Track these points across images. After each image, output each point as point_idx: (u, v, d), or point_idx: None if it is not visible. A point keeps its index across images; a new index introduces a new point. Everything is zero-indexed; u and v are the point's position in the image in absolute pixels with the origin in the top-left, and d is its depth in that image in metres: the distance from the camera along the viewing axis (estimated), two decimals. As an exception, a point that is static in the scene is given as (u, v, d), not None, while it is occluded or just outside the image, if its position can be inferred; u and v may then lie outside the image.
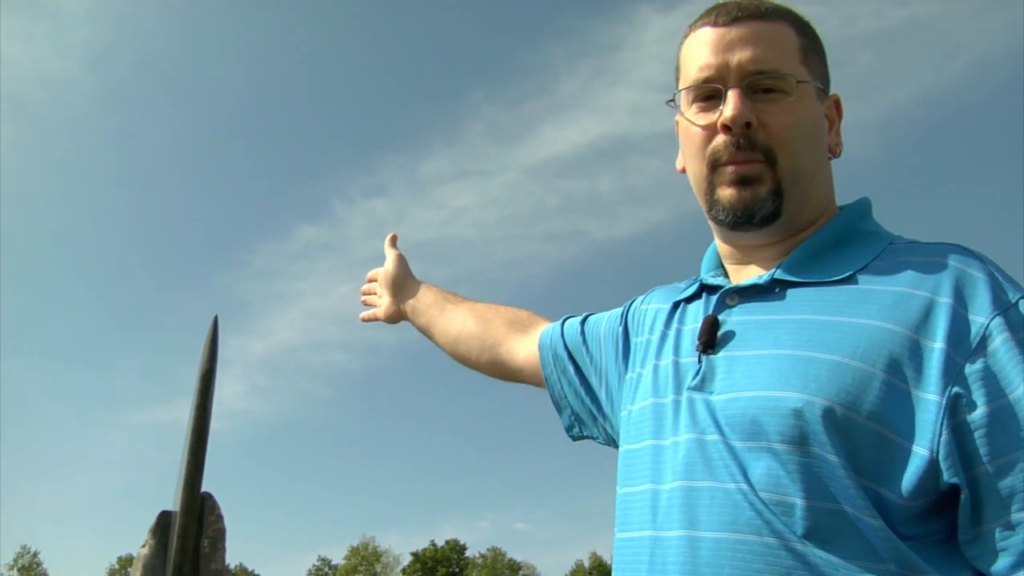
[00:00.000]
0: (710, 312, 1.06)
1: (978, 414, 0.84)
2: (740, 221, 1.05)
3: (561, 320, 1.44)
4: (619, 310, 1.33)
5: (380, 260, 1.78)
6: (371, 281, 1.80)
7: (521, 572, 62.01)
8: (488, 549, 63.13)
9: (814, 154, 1.07)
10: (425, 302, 1.66)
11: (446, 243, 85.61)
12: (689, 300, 1.16)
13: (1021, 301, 0.90)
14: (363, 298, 1.82)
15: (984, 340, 0.87)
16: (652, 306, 1.24)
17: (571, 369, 1.35)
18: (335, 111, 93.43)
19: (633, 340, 1.24)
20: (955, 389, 0.86)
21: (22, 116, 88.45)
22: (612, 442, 1.30)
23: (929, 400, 0.86)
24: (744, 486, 0.91)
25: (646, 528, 0.99)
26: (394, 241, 1.80)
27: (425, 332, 1.66)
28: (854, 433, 0.88)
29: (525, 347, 1.46)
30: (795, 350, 0.94)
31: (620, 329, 1.28)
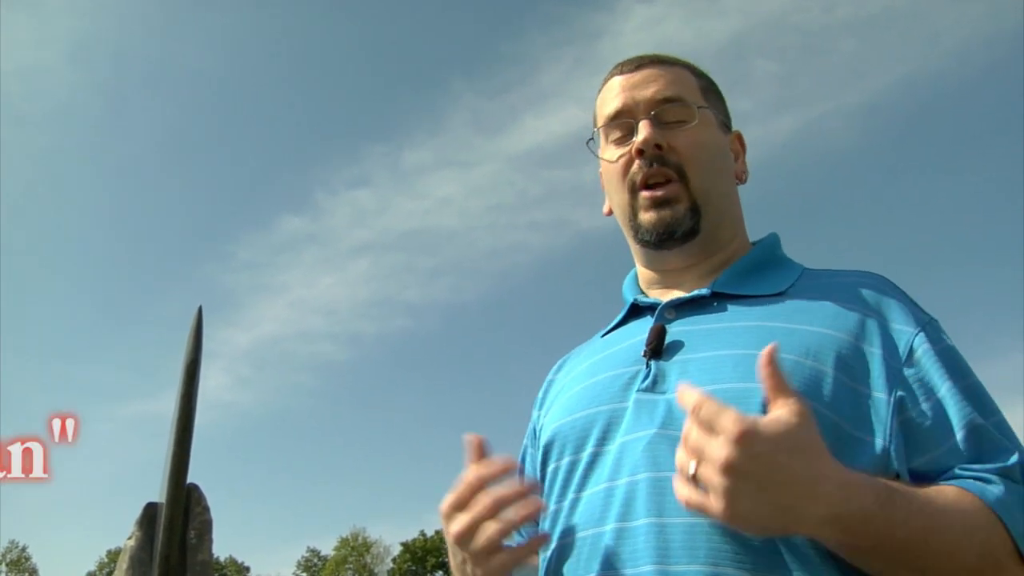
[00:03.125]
0: (652, 325, 1.10)
1: (917, 412, 0.97)
2: (663, 238, 1.15)
3: None
4: (528, 433, 1.28)
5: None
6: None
7: (511, 560, 62.08)
8: (478, 538, 63.19)
9: (721, 174, 1.20)
10: None
11: (430, 233, 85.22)
12: (616, 328, 1.21)
13: (932, 320, 1.06)
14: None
15: (912, 351, 1.01)
16: (556, 376, 1.28)
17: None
18: (317, 101, 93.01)
19: (539, 411, 1.25)
20: (899, 391, 0.98)
21: (1, 107, 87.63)
22: None
23: (879, 398, 0.97)
24: None
25: (606, 523, 0.98)
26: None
27: None
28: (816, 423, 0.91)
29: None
30: (751, 350, 0.97)
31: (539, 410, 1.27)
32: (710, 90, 1.23)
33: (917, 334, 1.02)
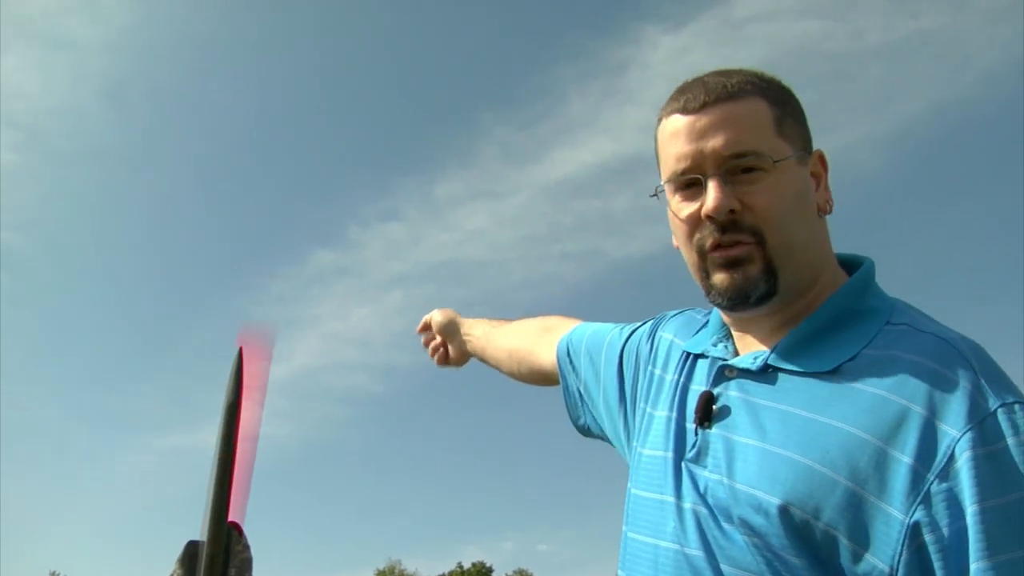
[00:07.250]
0: (709, 383, 1.08)
1: (938, 537, 0.84)
2: (736, 303, 1.05)
3: (574, 328, 1.50)
4: (645, 326, 1.34)
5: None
6: (424, 330, 1.92)
7: (547, 593, 61.45)
8: (515, 571, 62.78)
9: (802, 224, 1.05)
10: (477, 334, 1.75)
11: (462, 265, 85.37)
12: (698, 357, 1.16)
13: (1000, 409, 0.87)
14: (428, 349, 1.91)
15: (952, 458, 0.85)
16: (667, 336, 1.26)
17: (577, 372, 1.44)
18: (348, 135, 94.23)
19: (648, 368, 1.25)
20: (919, 510, 0.85)
21: (39, 146, 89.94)
22: (603, 437, 1.39)
23: (892, 515, 0.86)
24: (727, 567, 0.95)
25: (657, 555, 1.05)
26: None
27: (486, 363, 1.75)
28: (814, 537, 0.90)
29: (549, 352, 1.52)
30: (775, 446, 0.96)
31: (645, 346, 1.29)
32: (786, 116, 1.06)
33: (962, 436, 0.86)
